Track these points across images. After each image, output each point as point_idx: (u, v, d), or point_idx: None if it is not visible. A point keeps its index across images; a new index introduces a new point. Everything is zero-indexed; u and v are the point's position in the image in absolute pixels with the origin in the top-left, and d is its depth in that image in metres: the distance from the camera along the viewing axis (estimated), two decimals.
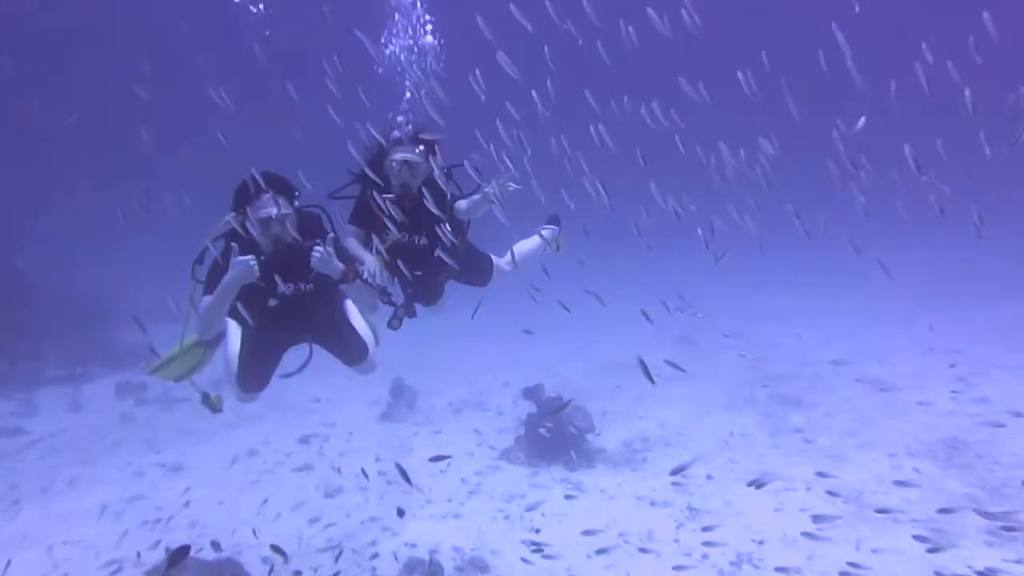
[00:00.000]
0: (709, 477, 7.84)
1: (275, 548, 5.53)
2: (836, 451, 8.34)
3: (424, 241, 4.93)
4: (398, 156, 4.72)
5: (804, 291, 18.74)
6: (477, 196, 4.85)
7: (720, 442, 8.86)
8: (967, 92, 4.54)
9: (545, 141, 5.33)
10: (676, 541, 6.60)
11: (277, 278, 4.29)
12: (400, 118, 5.21)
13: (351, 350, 4.94)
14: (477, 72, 4.96)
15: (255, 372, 4.73)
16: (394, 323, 5.02)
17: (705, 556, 6.33)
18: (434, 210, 4.61)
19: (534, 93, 5.06)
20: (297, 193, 4.35)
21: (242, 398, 4.89)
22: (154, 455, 9.40)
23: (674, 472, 7.05)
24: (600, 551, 6.27)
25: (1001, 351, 11.76)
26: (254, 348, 4.69)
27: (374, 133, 4.79)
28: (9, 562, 6.46)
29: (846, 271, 16.11)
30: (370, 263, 4.69)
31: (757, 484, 6.78)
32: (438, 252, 4.81)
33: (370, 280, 4.55)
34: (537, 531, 6.93)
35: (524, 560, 6.32)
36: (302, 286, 4.42)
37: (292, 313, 4.45)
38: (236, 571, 5.50)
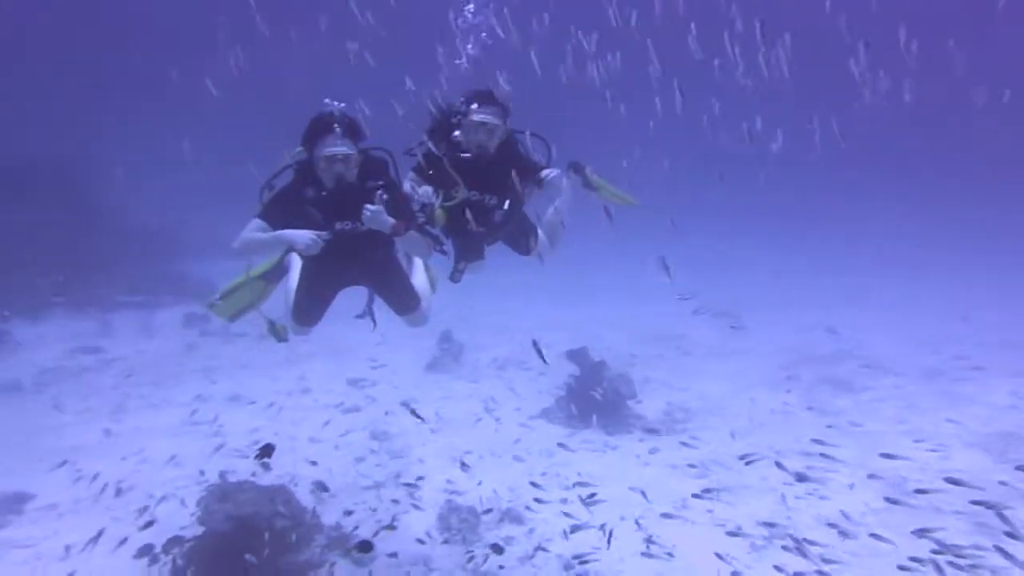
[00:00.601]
0: (745, 455, 7.92)
1: (320, 485, 5.89)
2: (882, 436, 8.28)
3: (493, 201, 5.01)
4: (477, 117, 4.74)
5: (859, 276, 18.27)
6: (567, 181, 4.98)
7: (760, 418, 8.90)
8: None
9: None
10: (709, 512, 6.74)
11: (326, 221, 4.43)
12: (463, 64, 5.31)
13: (403, 299, 5.12)
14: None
15: (309, 307, 4.97)
16: (456, 276, 5.18)
17: (739, 527, 6.47)
18: (516, 182, 4.71)
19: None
20: (364, 135, 4.45)
21: (296, 331, 5.15)
22: (214, 384, 9.98)
23: (746, 460, 7.11)
24: (631, 514, 6.49)
25: None
26: (310, 284, 4.92)
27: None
28: (97, 475, 7.05)
29: (901, 258, 15.73)
30: (426, 190, 4.81)
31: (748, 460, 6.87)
32: (503, 213, 4.94)
33: (423, 200, 4.66)
34: (578, 484, 7.16)
35: (556, 515, 6.57)
36: (358, 225, 4.52)
37: (346, 250, 4.58)
38: (287, 498, 5.88)
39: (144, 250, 15.98)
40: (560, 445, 8.18)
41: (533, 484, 7.09)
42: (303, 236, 4.37)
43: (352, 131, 4.36)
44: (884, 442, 8.04)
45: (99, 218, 16.55)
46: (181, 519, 6.06)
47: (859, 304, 15.32)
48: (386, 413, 8.79)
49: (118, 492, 6.84)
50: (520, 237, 5.52)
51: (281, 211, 4.44)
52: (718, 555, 5.79)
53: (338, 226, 4.50)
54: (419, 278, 5.29)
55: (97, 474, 7.03)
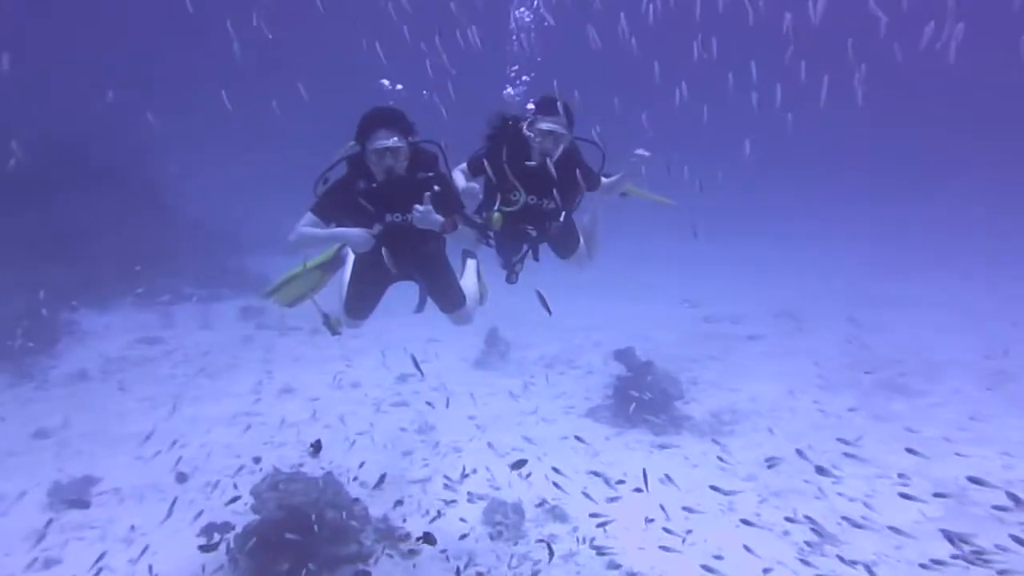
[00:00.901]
0: (800, 453, 7.76)
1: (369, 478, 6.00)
2: (941, 443, 8.03)
3: (551, 206, 5.05)
4: (544, 125, 4.79)
5: (924, 277, 17.68)
6: (617, 176, 5.00)
7: (812, 422, 8.72)
8: None
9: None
10: (757, 515, 6.65)
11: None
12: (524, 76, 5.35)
13: (450, 296, 5.18)
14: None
15: (360, 301, 5.09)
16: (512, 277, 5.31)
17: (786, 532, 6.38)
18: (580, 182, 4.82)
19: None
20: (414, 129, 4.50)
21: (348, 324, 5.27)
22: (269, 376, 10.24)
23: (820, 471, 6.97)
24: (676, 514, 6.44)
25: None
26: (362, 278, 5.03)
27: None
28: (157, 460, 7.34)
29: (973, 258, 15.16)
30: (471, 186, 4.95)
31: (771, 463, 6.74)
32: (560, 217, 5.04)
33: (472, 195, 4.78)
34: (623, 483, 7.14)
35: (600, 514, 6.57)
36: (408, 217, 4.59)
37: (395, 241, 4.64)
38: (337, 490, 6.02)
39: (204, 244, 16.48)
40: (606, 444, 8.17)
41: (578, 483, 7.09)
42: (357, 235, 4.51)
43: (402, 124, 4.43)
44: (943, 449, 7.80)
45: (161, 212, 17.12)
46: (235, 506, 6.26)
47: (916, 306, 14.83)
48: (432, 407, 8.90)
49: (177, 478, 7.12)
50: (565, 241, 5.56)
51: (334, 204, 4.55)
52: (765, 563, 5.71)
53: (388, 218, 4.58)
54: (468, 281, 5.37)
55: (157, 459, 7.33)
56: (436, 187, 4.47)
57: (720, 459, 7.67)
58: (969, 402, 9.25)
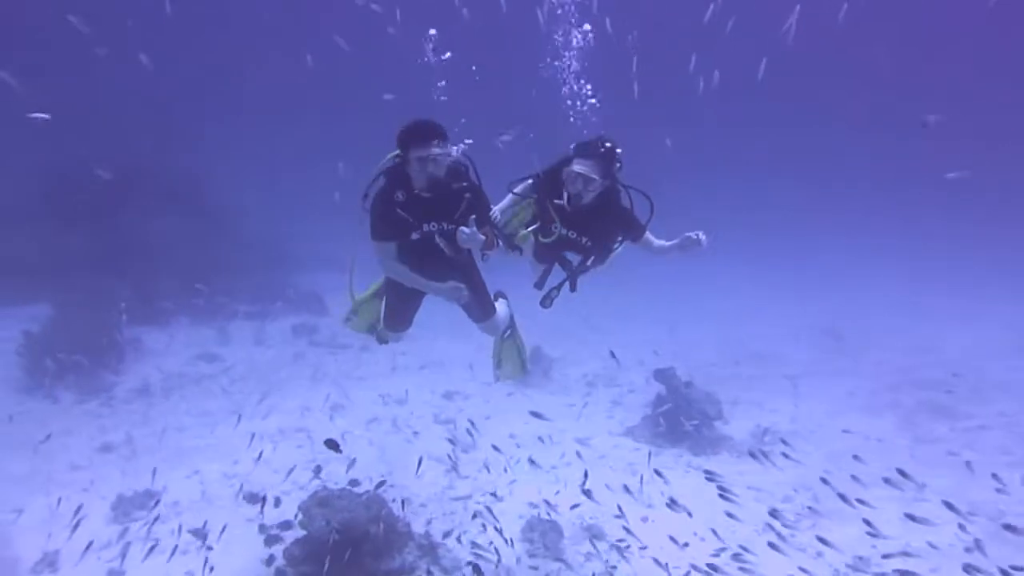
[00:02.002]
0: (824, 480, 7.76)
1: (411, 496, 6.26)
2: (983, 467, 7.91)
3: (589, 243, 5.28)
4: (576, 168, 4.92)
5: (975, 294, 17.19)
6: (668, 245, 5.18)
7: (851, 444, 8.67)
8: None
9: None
10: (792, 536, 6.70)
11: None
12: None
13: (481, 307, 5.47)
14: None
15: (400, 312, 5.45)
16: (546, 303, 5.52)
17: (819, 554, 6.41)
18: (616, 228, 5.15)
19: None
20: (450, 139, 4.72)
21: (392, 337, 5.64)
22: (319, 393, 10.63)
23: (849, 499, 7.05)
24: (711, 536, 6.54)
25: None
26: (400, 290, 5.33)
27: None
28: (214, 475, 7.74)
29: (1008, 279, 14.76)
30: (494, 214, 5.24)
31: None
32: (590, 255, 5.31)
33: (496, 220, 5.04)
34: (660, 503, 7.26)
35: (638, 533, 6.71)
36: (445, 226, 4.85)
37: (432, 250, 4.91)
38: (381, 506, 6.30)
39: (257, 261, 17.07)
40: (644, 464, 8.28)
41: (615, 501, 7.23)
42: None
43: (443, 135, 4.67)
44: (982, 473, 7.70)
45: (218, 229, 17.75)
46: (285, 521, 6.60)
47: (965, 324, 14.49)
48: (475, 425, 9.14)
49: (232, 493, 7.51)
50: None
51: (384, 223, 4.83)
52: None
53: (426, 228, 4.85)
54: (500, 304, 5.66)
55: (213, 474, 7.74)
56: (469, 196, 4.74)
57: (743, 478, 7.73)
58: (1015, 426, 9.07)
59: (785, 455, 8.30)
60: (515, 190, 5.37)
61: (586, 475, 7.39)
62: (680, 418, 8.89)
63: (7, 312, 12.91)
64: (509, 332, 6.00)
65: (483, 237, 4.77)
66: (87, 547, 6.33)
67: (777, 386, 10.79)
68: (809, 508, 7.21)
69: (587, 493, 7.24)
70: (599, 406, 10.34)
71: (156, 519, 7.00)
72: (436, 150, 4.57)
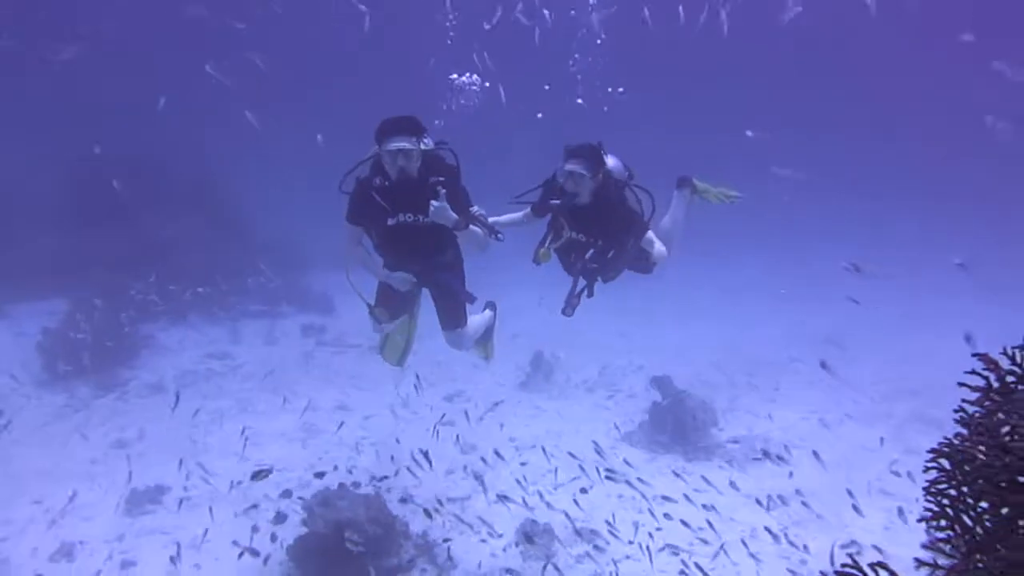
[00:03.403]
0: (816, 485, 7.98)
1: (410, 496, 6.55)
2: None
3: (600, 243, 5.60)
4: (568, 166, 5.29)
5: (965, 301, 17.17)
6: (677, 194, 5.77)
7: (842, 453, 8.87)
8: None
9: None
10: (776, 544, 6.92)
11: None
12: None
13: (453, 314, 5.66)
14: None
15: (385, 305, 5.67)
16: (567, 311, 5.77)
17: (803, 561, 6.64)
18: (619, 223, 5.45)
19: None
20: (426, 133, 4.97)
21: (375, 328, 5.89)
22: (327, 392, 10.94)
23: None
24: (702, 540, 6.78)
25: None
26: (383, 286, 5.62)
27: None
28: (222, 472, 8.07)
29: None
30: (505, 219, 5.66)
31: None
32: (598, 256, 5.58)
33: (481, 217, 5.25)
34: (652, 508, 7.50)
35: (629, 537, 6.96)
36: (420, 218, 5.09)
37: (406, 239, 5.20)
38: (380, 507, 6.58)
39: (269, 260, 17.39)
40: (638, 468, 8.52)
41: (609, 506, 7.49)
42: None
43: (412, 129, 4.89)
44: None
45: (232, 228, 18.10)
46: (289, 519, 6.90)
47: (990, 324, 14.53)
48: (475, 427, 9.41)
49: (238, 491, 7.82)
50: (638, 265, 6.01)
51: (358, 206, 5.16)
52: None
53: (401, 217, 5.12)
54: (477, 316, 5.91)
55: (221, 471, 8.06)
56: (444, 188, 4.91)
57: (733, 486, 7.96)
58: None
59: (776, 462, 8.55)
60: (523, 198, 5.69)
61: (583, 487, 7.66)
62: (675, 425, 9.12)
63: (28, 308, 13.34)
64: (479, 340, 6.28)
65: (453, 215, 4.95)
66: (104, 539, 6.67)
67: (772, 394, 10.98)
68: (797, 516, 7.43)
69: (583, 490, 7.55)
70: (598, 411, 10.57)
71: (166, 513, 7.34)
72: (403, 144, 4.79)
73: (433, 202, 4.90)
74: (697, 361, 12.49)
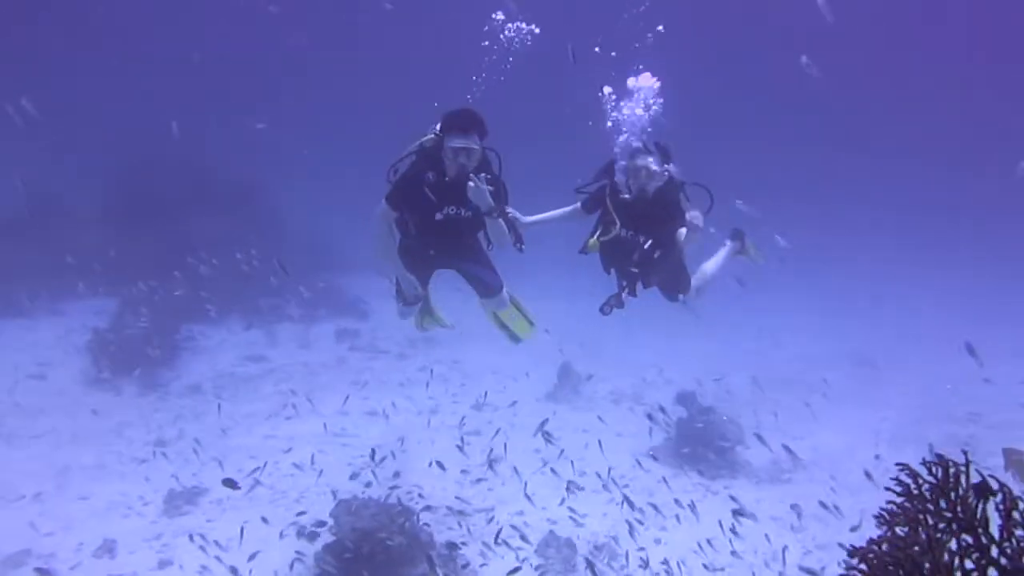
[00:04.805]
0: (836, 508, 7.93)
1: (435, 506, 6.71)
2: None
3: (648, 243, 5.58)
4: (637, 161, 5.39)
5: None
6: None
7: (873, 477, 8.78)
8: None
9: None
10: (798, 567, 6.92)
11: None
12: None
13: (488, 282, 5.83)
14: None
15: (412, 271, 5.72)
16: (606, 309, 5.80)
17: None
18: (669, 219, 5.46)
19: None
20: (487, 135, 5.11)
21: (400, 312, 6.07)
22: (358, 397, 11.18)
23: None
24: (722, 560, 6.82)
25: None
26: (407, 264, 5.67)
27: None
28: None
29: None
30: (527, 220, 5.67)
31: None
32: (645, 253, 5.56)
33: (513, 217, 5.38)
34: (674, 524, 7.56)
35: (650, 553, 7.03)
36: (463, 211, 5.24)
37: (449, 231, 5.32)
38: (405, 516, 6.76)
39: (306, 262, 17.73)
40: (663, 485, 8.56)
41: (629, 521, 7.56)
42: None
43: (480, 129, 5.03)
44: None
45: (272, 230, 18.49)
46: (316, 525, 7.12)
47: (1014, 356, 14.23)
48: (503, 438, 9.53)
49: (270, 494, 8.09)
50: (671, 283, 6.08)
51: (403, 194, 5.23)
52: None
53: (446, 210, 5.24)
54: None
55: (253, 474, 8.34)
56: (490, 187, 5.05)
57: (758, 504, 7.96)
58: None
59: (800, 483, 8.53)
60: (586, 189, 5.76)
61: (606, 500, 7.72)
62: (701, 441, 9.14)
63: (78, 306, 13.88)
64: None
65: (491, 201, 5.03)
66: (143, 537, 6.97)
67: (802, 413, 10.90)
68: (821, 539, 7.42)
69: (607, 503, 7.64)
70: (624, 424, 10.62)
71: (202, 514, 7.63)
72: (471, 144, 4.93)
73: (470, 182, 4.96)
74: (726, 376, 12.46)
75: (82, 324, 12.63)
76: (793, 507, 7.91)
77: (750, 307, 17.57)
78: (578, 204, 5.85)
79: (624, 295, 5.77)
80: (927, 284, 19.56)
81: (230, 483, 6.45)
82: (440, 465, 7.80)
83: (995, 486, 1.67)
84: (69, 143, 21.91)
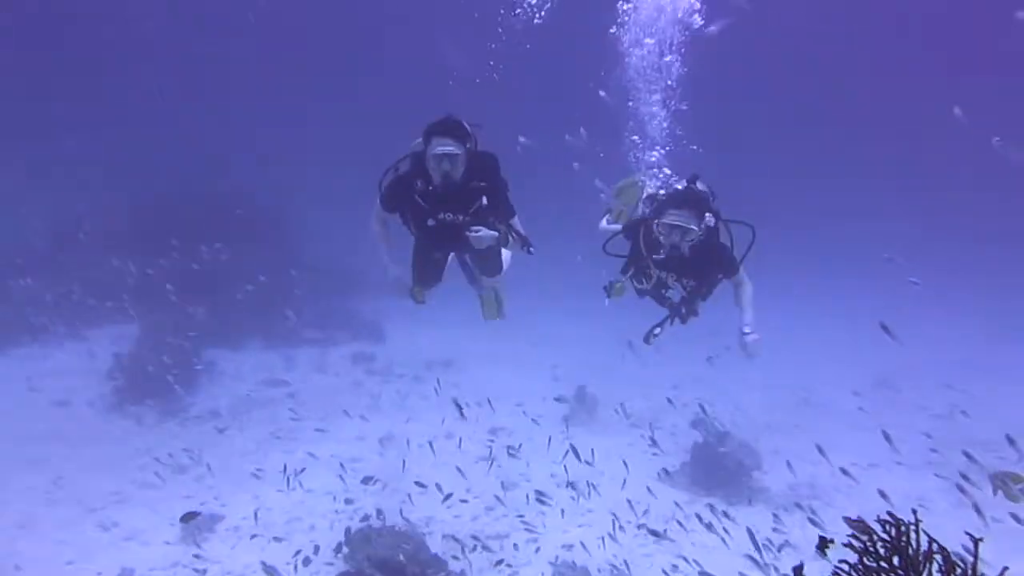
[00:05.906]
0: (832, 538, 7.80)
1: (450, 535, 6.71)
2: (1017, 536, 7.80)
3: (692, 284, 5.54)
4: (668, 220, 5.08)
5: None
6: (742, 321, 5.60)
7: (892, 504, 8.65)
8: None
9: None
10: None
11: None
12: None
13: (493, 265, 5.95)
14: None
15: (423, 275, 5.83)
16: (649, 338, 5.75)
17: None
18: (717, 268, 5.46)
19: None
20: (471, 137, 5.04)
21: (418, 297, 6.03)
22: (372, 422, 11.22)
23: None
24: None
25: None
26: (418, 258, 5.76)
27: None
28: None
29: None
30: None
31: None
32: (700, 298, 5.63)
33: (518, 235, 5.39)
34: (691, 551, 7.49)
35: None
36: (459, 217, 5.19)
37: (445, 235, 5.34)
38: (419, 545, 6.77)
39: (323, 286, 17.90)
40: (679, 510, 8.49)
41: (646, 547, 7.51)
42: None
43: (459, 133, 4.97)
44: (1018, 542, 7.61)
45: (289, 255, 18.67)
46: (331, 551, 7.14)
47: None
48: (518, 462, 9.52)
49: (285, 521, 8.12)
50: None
51: (396, 198, 5.30)
52: None
53: (441, 215, 5.23)
54: (504, 254, 6.07)
55: (270, 500, 8.38)
56: (485, 198, 5.08)
57: (776, 531, 7.86)
58: None
59: (816, 512, 8.42)
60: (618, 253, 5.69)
61: (620, 526, 7.68)
62: (717, 466, 9.07)
63: (102, 332, 14.10)
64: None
65: (494, 233, 5.08)
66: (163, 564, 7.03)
67: (821, 437, 10.73)
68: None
69: (616, 536, 7.57)
70: (640, 448, 10.56)
71: (219, 541, 7.68)
72: (449, 148, 4.89)
73: (473, 230, 5.03)
74: (745, 399, 12.37)
75: (104, 349, 12.83)
76: (822, 539, 7.79)
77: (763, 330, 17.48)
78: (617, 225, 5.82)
79: (669, 323, 5.67)
80: (947, 304, 19.33)
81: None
82: (451, 492, 7.79)
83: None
84: (94, 168, 22.35)
